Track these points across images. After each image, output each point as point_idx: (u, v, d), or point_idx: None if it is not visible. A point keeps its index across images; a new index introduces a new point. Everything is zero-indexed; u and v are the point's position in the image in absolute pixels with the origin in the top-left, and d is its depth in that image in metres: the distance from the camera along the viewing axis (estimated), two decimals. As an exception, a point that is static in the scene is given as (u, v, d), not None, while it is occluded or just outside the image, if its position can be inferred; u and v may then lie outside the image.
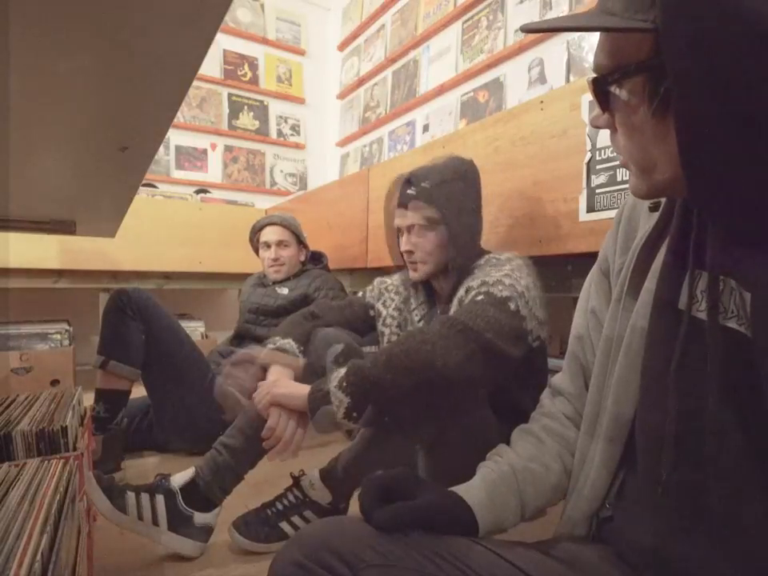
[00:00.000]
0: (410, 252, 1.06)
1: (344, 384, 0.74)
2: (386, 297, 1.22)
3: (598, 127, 0.47)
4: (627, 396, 0.51)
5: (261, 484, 1.06)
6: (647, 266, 0.51)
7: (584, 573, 0.48)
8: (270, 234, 1.75)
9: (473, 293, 0.93)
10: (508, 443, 0.64)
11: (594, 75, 0.44)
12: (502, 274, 0.94)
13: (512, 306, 0.89)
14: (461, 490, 0.55)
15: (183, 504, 0.95)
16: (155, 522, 0.93)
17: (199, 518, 0.95)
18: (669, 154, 0.40)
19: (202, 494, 0.96)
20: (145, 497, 0.93)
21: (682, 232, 0.47)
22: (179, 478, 0.98)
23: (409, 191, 1.05)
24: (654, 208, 0.53)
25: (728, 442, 0.40)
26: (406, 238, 1.07)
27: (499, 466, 0.59)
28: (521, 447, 0.62)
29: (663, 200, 0.52)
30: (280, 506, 1.01)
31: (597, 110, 0.46)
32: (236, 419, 1.02)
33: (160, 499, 0.94)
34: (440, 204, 1.01)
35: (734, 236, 0.41)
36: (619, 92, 0.42)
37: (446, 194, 1.02)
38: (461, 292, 0.98)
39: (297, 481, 1.04)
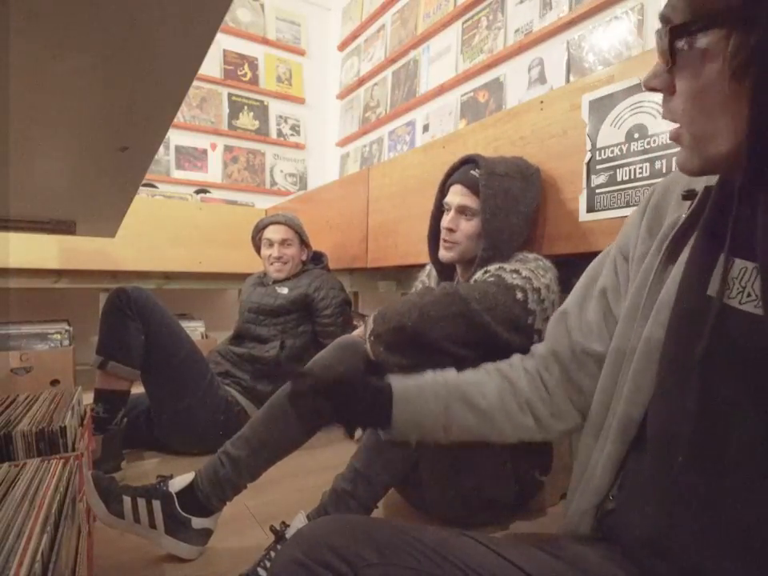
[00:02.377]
0: (451, 230, 1.09)
1: (375, 314, 0.94)
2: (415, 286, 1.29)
3: (653, 89, 0.43)
4: (640, 399, 0.50)
5: (263, 484, 1.05)
6: (675, 257, 0.50)
7: (586, 572, 0.48)
8: (273, 233, 1.75)
9: (486, 275, 0.97)
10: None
11: (669, 24, 0.39)
12: (523, 267, 0.97)
13: (519, 295, 0.91)
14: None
15: (180, 509, 0.94)
16: (152, 526, 0.92)
17: (197, 522, 0.95)
18: (735, 124, 0.37)
19: (200, 501, 0.95)
20: (141, 502, 0.92)
21: (718, 218, 0.46)
22: (178, 483, 0.96)
23: (471, 172, 1.07)
24: (687, 196, 0.51)
25: (750, 437, 0.40)
26: (452, 215, 1.09)
27: (434, 376, 0.61)
28: (466, 373, 0.64)
29: (699, 189, 0.50)
30: (263, 573, 0.81)
31: (656, 68, 0.42)
32: (242, 428, 1.01)
33: (157, 504, 0.93)
34: (490, 196, 1.03)
35: None
36: (696, 45, 0.37)
37: (503, 188, 1.03)
38: (478, 274, 1.01)
39: (280, 535, 0.88)
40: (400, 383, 0.60)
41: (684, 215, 0.50)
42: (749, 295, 0.41)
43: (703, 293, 0.45)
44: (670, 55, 0.40)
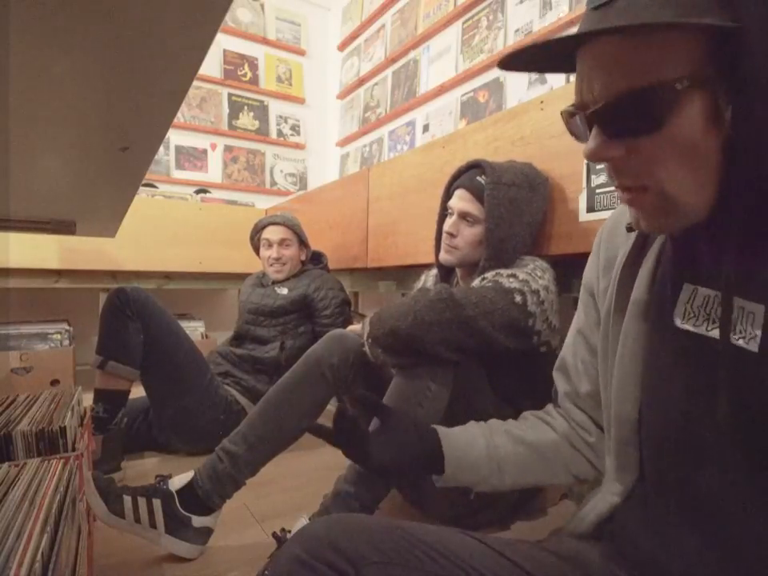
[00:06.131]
0: (451, 235, 1.08)
1: (372, 316, 0.95)
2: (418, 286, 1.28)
3: (608, 160, 0.41)
4: (627, 401, 0.51)
5: (262, 484, 1.05)
6: (631, 282, 0.52)
7: (586, 570, 0.48)
8: (271, 233, 1.75)
9: (484, 282, 0.97)
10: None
11: (629, 89, 0.37)
12: (520, 270, 0.96)
13: (517, 298, 0.91)
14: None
15: (181, 508, 0.94)
16: (153, 525, 0.92)
17: (197, 521, 0.95)
18: (709, 176, 0.38)
19: (200, 499, 0.95)
20: (142, 501, 0.92)
21: (679, 249, 0.47)
22: (178, 481, 0.96)
23: (477, 178, 1.05)
24: (631, 228, 0.52)
25: (732, 451, 0.40)
26: (454, 220, 1.08)
27: (472, 422, 0.66)
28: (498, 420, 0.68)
29: None
30: None
31: (601, 138, 0.40)
32: (240, 425, 1.01)
33: (157, 503, 0.93)
34: (495, 206, 1.01)
35: (749, 256, 0.39)
36: (667, 109, 0.36)
37: (509, 198, 1.02)
38: (476, 282, 1.01)
39: (283, 541, 0.88)
40: (441, 428, 0.63)
41: (630, 245, 0.53)
42: (714, 322, 0.42)
43: (670, 322, 0.46)
44: (632, 124, 0.38)
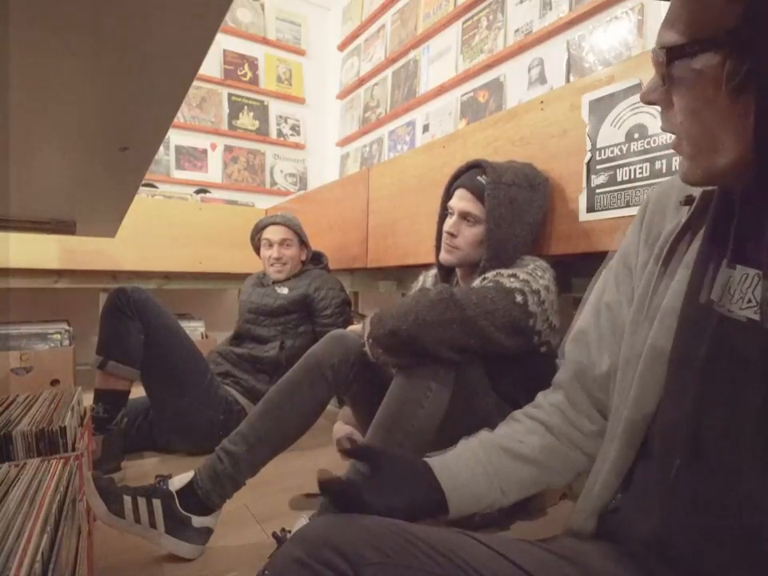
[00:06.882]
0: (452, 235, 1.08)
1: (372, 316, 0.94)
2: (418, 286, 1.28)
3: (651, 102, 0.45)
4: (645, 403, 0.50)
5: (262, 484, 1.05)
6: (678, 260, 0.50)
7: (587, 570, 0.48)
8: (272, 233, 1.75)
9: (485, 282, 0.97)
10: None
11: (665, 45, 0.41)
12: (520, 270, 0.96)
13: (518, 298, 0.91)
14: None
15: (181, 508, 0.94)
16: (153, 525, 0.92)
17: (197, 521, 0.94)
18: (737, 135, 0.39)
19: (200, 499, 0.95)
20: (142, 501, 0.92)
21: (720, 224, 0.46)
22: (178, 481, 0.96)
23: (478, 178, 1.05)
24: (685, 202, 0.51)
25: (750, 439, 0.40)
26: (454, 220, 1.08)
27: (465, 441, 0.63)
28: (496, 429, 0.65)
29: (697, 194, 0.51)
30: None
31: (653, 82, 0.44)
32: (240, 425, 1.01)
33: (157, 503, 0.92)
34: (495, 206, 1.01)
35: None
36: (693, 65, 0.39)
37: (509, 198, 1.02)
38: (476, 282, 1.01)
39: (283, 541, 0.88)
40: (435, 458, 0.61)
41: (683, 220, 0.51)
42: (749, 301, 0.42)
43: (706, 299, 0.45)
44: (667, 74, 0.41)
